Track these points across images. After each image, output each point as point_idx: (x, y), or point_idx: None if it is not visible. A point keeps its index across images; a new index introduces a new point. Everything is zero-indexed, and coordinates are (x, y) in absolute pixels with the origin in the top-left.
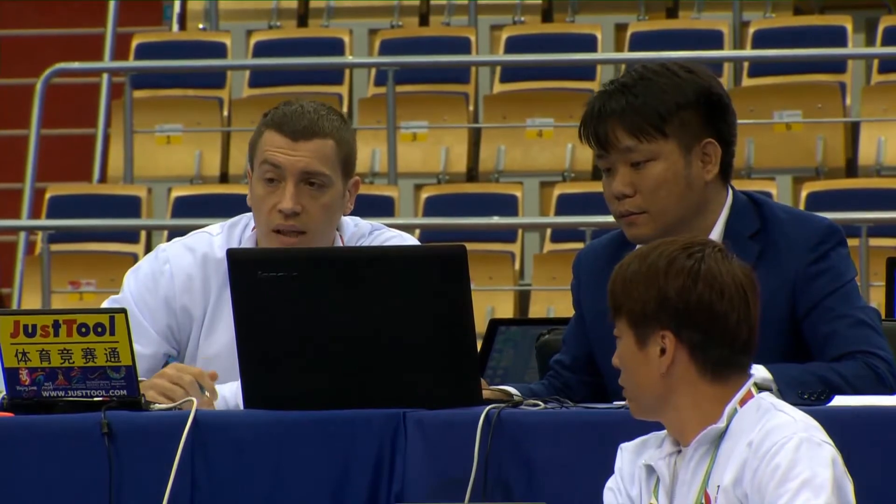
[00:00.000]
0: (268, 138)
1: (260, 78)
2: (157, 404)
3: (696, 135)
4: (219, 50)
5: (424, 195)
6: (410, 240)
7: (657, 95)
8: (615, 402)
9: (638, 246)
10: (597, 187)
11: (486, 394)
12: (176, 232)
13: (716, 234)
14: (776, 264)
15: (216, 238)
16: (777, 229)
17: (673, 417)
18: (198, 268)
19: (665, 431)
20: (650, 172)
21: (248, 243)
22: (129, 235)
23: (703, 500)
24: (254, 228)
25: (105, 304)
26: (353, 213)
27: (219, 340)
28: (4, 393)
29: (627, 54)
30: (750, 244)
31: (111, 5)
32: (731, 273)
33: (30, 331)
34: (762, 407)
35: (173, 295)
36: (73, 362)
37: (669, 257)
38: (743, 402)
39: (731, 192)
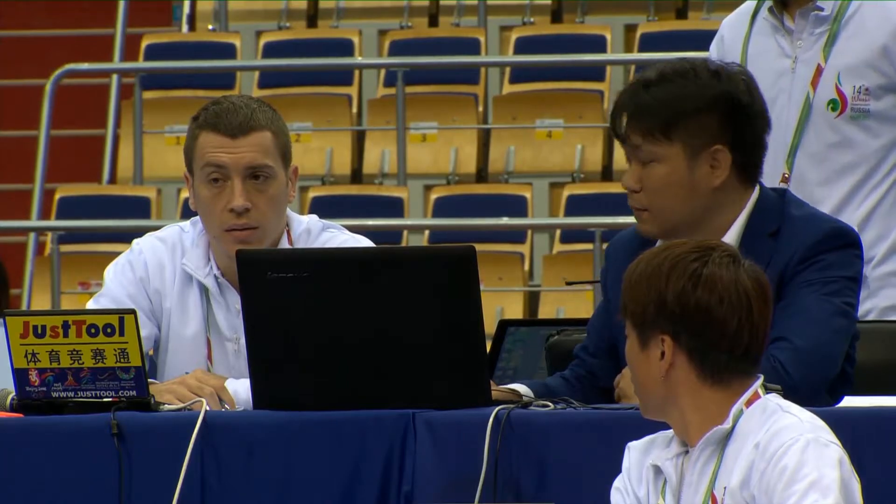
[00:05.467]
0: (205, 140)
1: (269, 79)
2: (166, 405)
3: (706, 140)
4: (228, 51)
5: (434, 196)
6: (366, 242)
7: (670, 98)
8: (623, 403)
9: (658, 241)
10: (606, 188)
11: (494, 394)
12: None
13: (734, 231)
14: (777, 261)
15: (186, 234)
16: (788, 227)
17: (677, 419)
18: (168, 256)
19: (673, 431)
20: (653, 173)
21: (201, 240)
22: (139, 236)
23: (710, 502)
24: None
25: (90, 303)
26: (363, 214)
27: (191, 323)
28: (14, 394)
29: (637, 55)
30: (769, 242)
31: (121, 6)
32: (734, 279)
33: (39, 332)
34: (768, 408)
35: (147, 278)
36: (83, 363)
37: (674, 261)
38: (749, 403)
39: (758, 190)
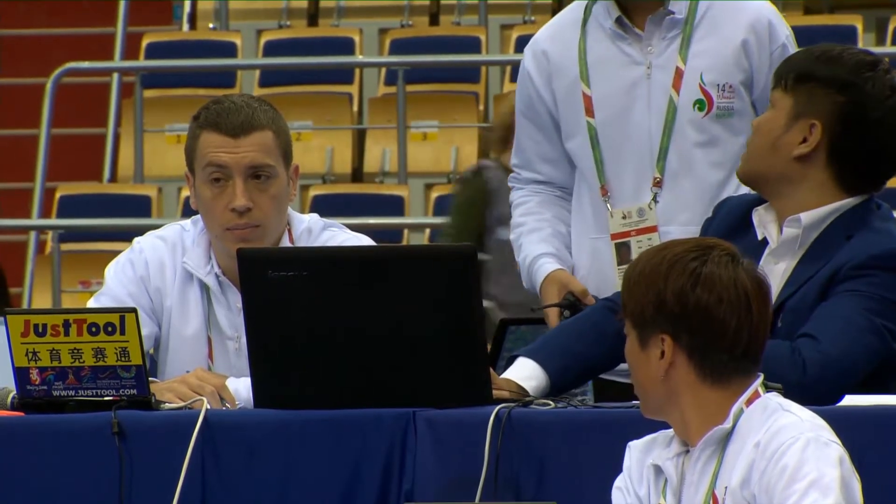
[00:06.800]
0: (206, 140)
1: (270, 77)
2: (167, 403)
3: (811, 111)
4: (229, 49)
5: (435, 194)
6: (367, 241)
7: (812, 61)
8: (624, 403)
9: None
10: None
11: (496, 392)
12: None
13: (812, 217)
14: (837, 260)
15: (187, 233)
16: (862, 235)
17: (678, 418)
18: (169, 255)
19: (673, 430)
20: (762, 115)
21: (202, 239)
22: (140, 235)
23: (711, 502)
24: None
25: (90, 302)
26: (363, 212)
27: (192, 322)
28: (15, 392)
29: None
30: (842, 242)
31: (121, 5)
32: (733, 278)
33: (40, 330)
34: (769, 407)
35: (147, 276)
36: (84, 362)
37: (673, 260)
38: (749, 402)
39: (861, 199)
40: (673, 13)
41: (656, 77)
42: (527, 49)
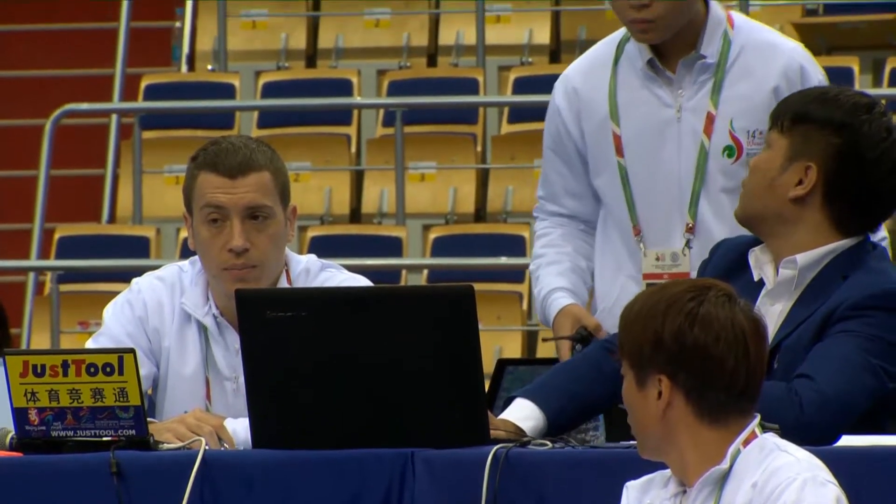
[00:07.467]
0: (204, 180)
1: (268, 118)
2: (165, 444)
3: (807, 153)
4: (227, 90)
5: (432, 235)
6: (365, 282)
7: (808, 103)
8: (621, 442)
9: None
10: None
11: (494, 423)
12: None
13: (809, 258)
14: (833, 300)
15: (185, 273)
16: (858, 275)
17: (675, 458)
18: (167, 296)
19: (670, 470)
20: (758, 156)
21: (200, 279)
22: (138, 276)
23: None
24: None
25: (89, 342)
26: (361, 253)
27: (190, 362)
28: (13, 433)
29: None
30: (839, 282)
31: (120, 46)
32: (730, 318)
33: (39, 371)
34: (766, 447)
35: (146, 317)
36: (82, 402)
37: (670, 300)
38: (746, 442)
39: (857, 240)
40: (704, 57)
41: (686, 120)
42: (557, 84)
